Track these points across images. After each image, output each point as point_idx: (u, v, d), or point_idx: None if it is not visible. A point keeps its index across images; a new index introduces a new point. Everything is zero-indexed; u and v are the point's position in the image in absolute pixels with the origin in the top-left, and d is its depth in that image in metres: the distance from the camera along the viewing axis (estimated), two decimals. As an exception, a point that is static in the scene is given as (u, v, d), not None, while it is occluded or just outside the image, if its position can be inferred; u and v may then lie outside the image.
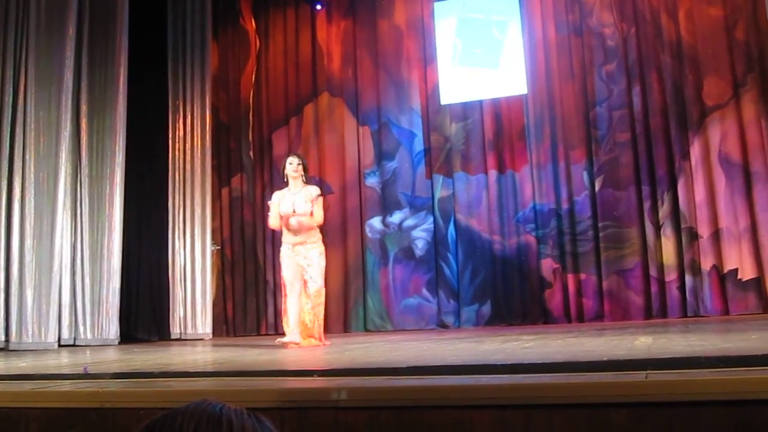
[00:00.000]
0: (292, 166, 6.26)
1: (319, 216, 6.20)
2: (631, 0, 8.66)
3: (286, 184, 6.34)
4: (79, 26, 7.86)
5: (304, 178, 6.32)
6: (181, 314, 8.81)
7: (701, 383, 2.23)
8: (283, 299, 6.30)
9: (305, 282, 6.13)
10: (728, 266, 7.91)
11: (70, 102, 7.60)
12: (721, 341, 3.79)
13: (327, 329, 6.17)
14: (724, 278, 7.90)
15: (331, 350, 5.22)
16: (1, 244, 7.12)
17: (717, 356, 2.65)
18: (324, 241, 6.38)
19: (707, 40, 8.30)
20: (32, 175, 7.22)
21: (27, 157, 7.23)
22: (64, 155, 7.47)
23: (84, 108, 8.03)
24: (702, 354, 2.90)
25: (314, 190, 6.30)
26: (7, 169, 7.23)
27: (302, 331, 6.01)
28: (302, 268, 6.13)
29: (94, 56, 8.18)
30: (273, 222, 6.35)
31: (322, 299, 6.24)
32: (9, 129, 7.30)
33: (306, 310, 6.12)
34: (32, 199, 7.20)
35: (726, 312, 7.81)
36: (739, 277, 7.87)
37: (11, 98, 7.34)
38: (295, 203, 6.12)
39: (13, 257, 7.07)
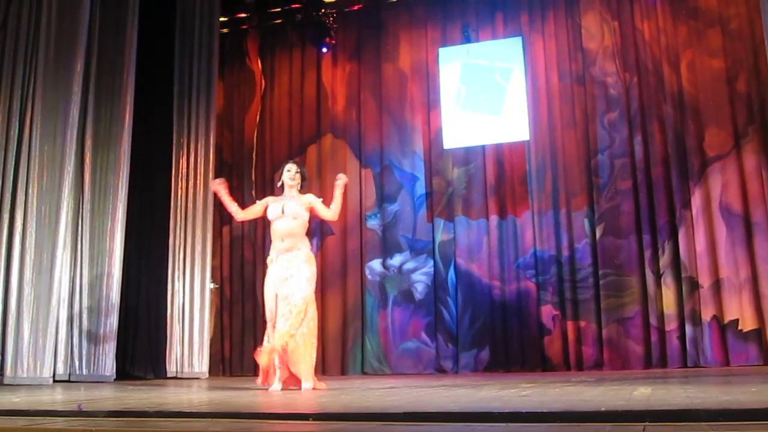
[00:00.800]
0: (290, 173, 5.90)
1: (331, 212, 5.87)
2: (634, 50, 8.77)
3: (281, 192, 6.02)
4: (87, 62, 7.93)
5: (300, 187, 5.94)
6: (178, 352, 8.74)
7: (700, 437, 2.21)
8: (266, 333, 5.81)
9: (280, 299, 5.59)
10: (729, 317, 7.88)
11: (75, 137, 7.64)
12: (721, 394, 3.75)
13: (325, 371, 5.81)
14: (724, 329, 7.87)
15: (327, 393, 5.17)
16: (0, 276, 7.11)
17: (716, 409, 2.62)
18: (313, 251, 6.00)
19: (709, 91, 8.39)
20: (34, 209, 7.24)
21: (30, 190, 7.25)
22: (66, 189, 7.48)
23: (89, 143, 8.08)
24: (701, 407, 2.87)
25: (312, 197, 5.94)
26: (9, 201, 7.26)
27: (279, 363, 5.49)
28: (281, 282, 5.64)
29: (100, 92, 8.25)
30: (240, 212, 6.01)
31: (313, 314, 5.62)
32: (13, 162, 7.34)
33: (282, 334, 5.47)
34: (33, 233, 7.20)
35: (726, 363, 7.77)
36: (739, 327, 7.84)
37: (17, 131, 7.40)
38: (285, 206, 5.79)
39: (12, 290, 7.05)
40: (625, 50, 8.81)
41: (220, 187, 6.08)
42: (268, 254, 5.96)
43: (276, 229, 5.83)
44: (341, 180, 6.02)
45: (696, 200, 8.22)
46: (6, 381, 6.83)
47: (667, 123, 8.48)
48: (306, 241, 5.90)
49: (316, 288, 5.99)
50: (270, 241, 6.00)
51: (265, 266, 6.01)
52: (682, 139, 8.40)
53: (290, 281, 5.64)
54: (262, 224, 9.74)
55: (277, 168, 10.00)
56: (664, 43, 8.66)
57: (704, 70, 8.46)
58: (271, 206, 5.88)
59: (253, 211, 6.07)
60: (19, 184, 7.27)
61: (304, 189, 6.05)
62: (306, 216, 5.87)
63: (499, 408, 3.22)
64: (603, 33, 8.92)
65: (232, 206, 6.05)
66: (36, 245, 7.20)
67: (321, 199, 5.96)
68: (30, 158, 7.31)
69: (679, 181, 8.32)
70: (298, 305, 5.56)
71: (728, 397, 3.50)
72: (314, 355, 5.66)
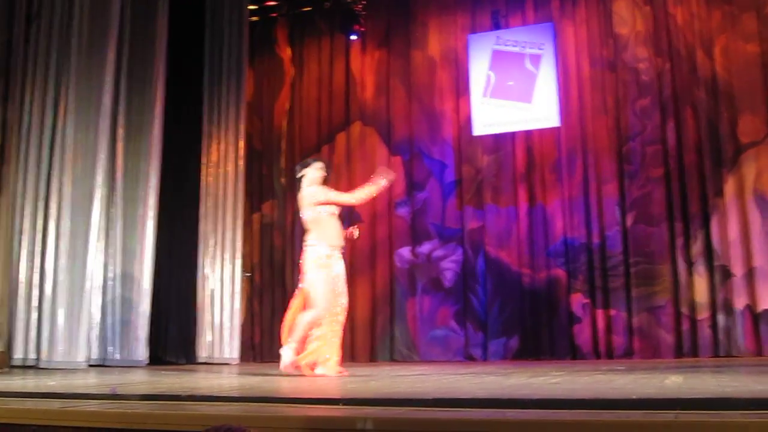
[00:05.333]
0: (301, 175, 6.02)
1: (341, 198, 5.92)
2: (666, 35, 8.65)
3: None
4: (119, 51, 8.01)
5: (323, 182, 5.94)
6: (209, 338, 8.84)
7: (732, 425, 2.19)
8: None
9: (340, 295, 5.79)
10: (762, 306, 7.78)
11: (107, 125, 7.73)
12: (754, 383, 3.71)
13: (354, 358, 5.76)
14: (757, 318, 7.77)
15: (357, 379, 5.20)
16: (36, 262, 7.23)
17: (749, 398, 2.60)
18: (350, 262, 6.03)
19: (743, 77, 8.25)
20: (68, 196, 7.34)
21: (64, 178, 7.35)
22: (99, 177, 7.58)
23: (120, 131, 8.17)
24: (734, 395, 2.85)
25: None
26: (44, 189, 7.36)
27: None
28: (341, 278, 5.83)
29: (132, 81, 8.33)
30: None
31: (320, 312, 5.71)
32: (48, 150, 7.44)
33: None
34: (67, 220, 7.30)
35: (759, 353, 7.67)
36: (773, 317, 7.74)
37: (51, 120, 7.49)
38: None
39: (47, 276, 7.16)
40: (657, 36, 8.69)
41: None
42: (300, 248, 5.97)
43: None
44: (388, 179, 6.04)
45: (729, 188, 8.10)
46: (42, 365, 6.95)
47: (700, 109, 8.36)
48: (315, 233, 5.87)
49: (347, 278, 5.98)
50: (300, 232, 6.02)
51: (294, 253, 6.07)
52: (715, 125, 8.29)
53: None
54: (291, 211, 9.80)
55: (306, 155, 10.04)
56: (698, 28, 8.53)
57: (738, 56, 8.32)
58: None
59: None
60: (54, 172, 7.37)
61: (329, 181, 6.04)
62: (319, 209, 5.86)
63: (529, 395, 3.22)
64: (635, 18, 8.81)
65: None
66: (70, 232, 7.30)
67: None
68: (64, 146, 7.41)
69: (711, 168, 8.21)
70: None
71: (761, 386, 3.47)
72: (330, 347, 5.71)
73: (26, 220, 7.31)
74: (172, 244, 8.92)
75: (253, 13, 10.17)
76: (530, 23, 9.33)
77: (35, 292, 7.15)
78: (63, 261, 7.21)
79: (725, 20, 8.44)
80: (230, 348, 8.91)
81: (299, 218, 6.08)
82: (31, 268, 7.22)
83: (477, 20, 9.58)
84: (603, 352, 8.29)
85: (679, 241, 8.21)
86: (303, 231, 6.03)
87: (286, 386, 4.53)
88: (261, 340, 9.80)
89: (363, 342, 9.19)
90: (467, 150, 9.32)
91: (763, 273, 7.82)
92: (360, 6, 9.88)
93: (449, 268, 9.15)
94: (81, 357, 7.19)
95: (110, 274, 7.97)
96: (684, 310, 8.07)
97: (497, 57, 9.35)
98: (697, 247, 8.14)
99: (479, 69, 9.40)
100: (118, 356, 7.81)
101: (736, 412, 2.41)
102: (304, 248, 5.84)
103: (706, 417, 2.35)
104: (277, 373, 5.94)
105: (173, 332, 8.80)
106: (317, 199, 5.88)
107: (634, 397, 2.94)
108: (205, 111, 9.30)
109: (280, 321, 9.57)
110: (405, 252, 9.37)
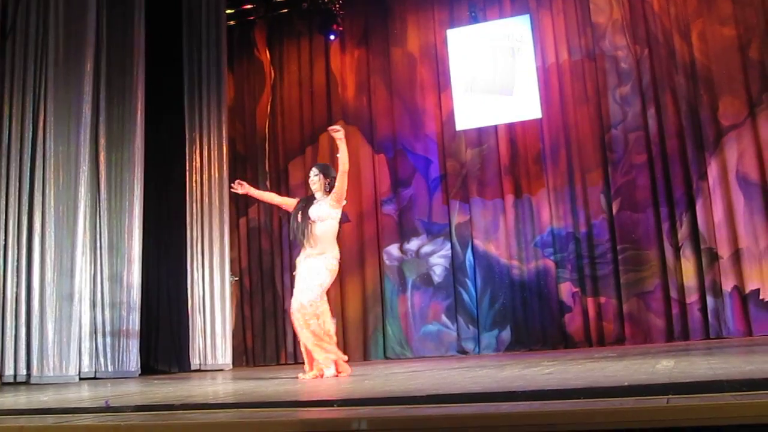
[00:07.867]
0: (310, 178, 5.89)
1: (341, 164, 5.77)
2: (644, 22, 8.69)
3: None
4: (96, 61, 7.96)
5: (327, 187, 5.78)
6: (201, 345, 8.81)
7: (724, 407, 2.21)
8: None
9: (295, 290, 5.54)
10: (750, 286, 7.84)
11: (88, 136, 7.69)
12: (745, 364, 3.74)
13: (347, 357, 5.74)
14: (746, 299, 7.83)
15: (350, 379, 5.19)
16: (23, 277, 7.18)
17: (740, 380, 2.62)
18: (341, 263, 5.77)
19: (721, 60, 8.30)
20: (52, 209, 7.29)
21: (47, 191, 7.31)
22: (83, 189, 7.54)
23: (102, 142, 8.12)
24: (725, 377, 2.87)
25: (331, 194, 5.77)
26: (27, 203, 7.31)
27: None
28: (298, 277, 5.56)
29: (111, 91, 8.28)
30: (277, 196, 6.29)
31: (318, 313, 5.42)
32: (29, 163, 7.39)
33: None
34: (52, 233, 7.26)
35: (749, 333, 7.73)
36: (761, 297, 7.79)
37: (31, 133, 7.44)
38: (311, 209, 5.70)
39: (34, 291, 7.12)
40: (634, 23, 8.73)
41: (245, 189, 6.12)
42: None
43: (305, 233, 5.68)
44: (341, 132, 5.96)
45: (712, 171, 8.16)
46: (33, 380, 6.91)
47: (680, 94, 8.41)
48: (335, 249, 5.72)
49: (337, 278, 5.88)
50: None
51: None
52: (695, 110, 8.34)
53: (305, 278, 5.53)
54: (278, 215, 9.79)
55: (291, 158, 10.05)
56: (674, 14, 8.58)
57: (715, 39, 8.37)
58: (302, 208, 5.77)
59: (286, 202, 6.11)
60: (36, 186, 7.32)
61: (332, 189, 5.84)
62: (333, 215, 5.74)
63: (522, 387, 3.23)
64: (611, 6, 8.85)
65: (264, 195, 6.19)
66: (56, 245, 7.26)
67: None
68: (45, 159, 7.36)
69: (694, 152, 8.26)
70: (302, 307, 5.45)
71: (752, 366, 3.49)
72: (329, 347, 5.50)
73: (10, 235, 7.25)
74: (160, 252, 8.88)
75: (230, 17, 10.16)
76: (507, 16, 9.36)
77: (23, 308, 7.11)
78: (50, 275, 7.17)
79: (701, 5, 8.49)
80: (223, 354, 8.89)
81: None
82: (17, 284, 7.18)
83: (455, 15, 9.60)
84: (595, 340, 8.33)
85: (665, 226, 8.26)
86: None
87: (280, 390, 4.52)
88: (253, 345, 9.78)
89: (355, 341, 9.19)
90: (451, 145, 9.34)
91: (750, 254, 7.88)
92: (337, 5, 9.87)
93: (438, 263, 9.17)
94: (72, 370, 7.16)
95: (98, 286, 7.93)
96: (673, 294, 8.12)
97: (477, 51, 9.36)
98: (683, 231, 8.19)
99: (459, 63, 9.41)
100: (110, 368, 7.77)
101: (728, 395, 2.43)
102: (326, 257, 5.61)
103: (698, 401, 2.37)
104: (271, 377, 5.92)
105: (164, 341, 8.77)
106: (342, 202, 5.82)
107: (625, 384, 2.96)
108: (186, 117, 9.25)
109: (272, 324, 9.63)
110: (393, 249, 9.38)
